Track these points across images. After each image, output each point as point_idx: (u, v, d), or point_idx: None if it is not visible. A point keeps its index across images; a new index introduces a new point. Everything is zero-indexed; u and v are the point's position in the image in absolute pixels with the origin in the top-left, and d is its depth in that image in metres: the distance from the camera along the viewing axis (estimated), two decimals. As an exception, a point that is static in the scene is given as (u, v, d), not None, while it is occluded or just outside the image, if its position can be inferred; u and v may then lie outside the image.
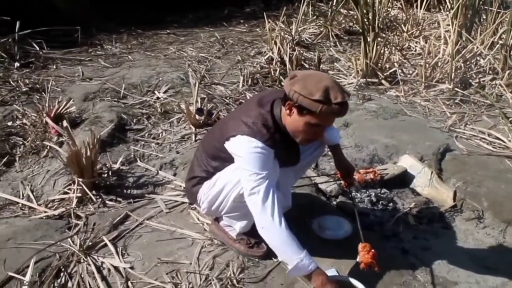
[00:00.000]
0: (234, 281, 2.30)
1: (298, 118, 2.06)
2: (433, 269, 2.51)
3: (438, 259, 2.59)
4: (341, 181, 3.04)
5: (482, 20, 5.41)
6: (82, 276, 2.39)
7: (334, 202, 3.05)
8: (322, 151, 2.64)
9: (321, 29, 6.32)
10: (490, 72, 4.81)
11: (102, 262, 2.48)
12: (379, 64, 4.85)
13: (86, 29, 6.18)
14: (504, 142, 3.68)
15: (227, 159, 2.20)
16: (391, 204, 3.10)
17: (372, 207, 3.06)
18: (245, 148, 2.09)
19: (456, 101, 4.41)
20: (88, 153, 3.04)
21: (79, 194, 3.02)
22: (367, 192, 3.17)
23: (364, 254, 2.21)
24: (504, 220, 2.91)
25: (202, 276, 2.34)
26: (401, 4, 6.64)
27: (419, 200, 3.16)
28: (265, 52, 5.48)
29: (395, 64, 5.04)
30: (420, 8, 6.43)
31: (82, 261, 2.48)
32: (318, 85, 1.96)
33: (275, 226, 2.06)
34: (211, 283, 2.30)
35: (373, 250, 2.21)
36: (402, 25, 6.25)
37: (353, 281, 2.14)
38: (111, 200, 3.06)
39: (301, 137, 2.13)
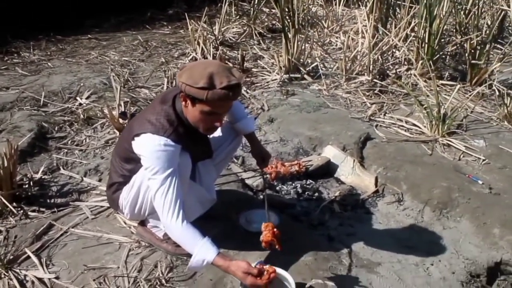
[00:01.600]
0: (163, 281, 2.29)
1: (192, 108, 2.08)
2: (357, 252, 2.63)
3: (363, 243, 2.71)
4: (267, 175, 3.11)
5: (396, 14, 5.65)
6: (4, 292, 2.31)
7: (261, 196, 3.10)
8: (239, 142, 2.67)
9: (245, 28, 6.38)
10: (405, 63, 5.03)
11: (25, 275, 2.40)
12: (301, 60, 4.96)
13: (0, 36, 5.91)
14: (420, 128, 3.88)
15: (139, 160, 2.18)
16: (316, 194, 3.19)
17: (298, 198, 3.13)
18: (148, 147, 2.09)
19: (375, 91, 4.59)
20: (6, 164, 2.92)
21: (-2, 208, 2.90)
22: (293, 184, 3.25)
23: (266, 233, 2.25)
24: (422, 201, 3.07)
25: (130, 279, 2.32)
26: (321, 1, 6.81)
27: (343, 188, 3.27)
28: (188, 53, 5.48)
29: (317, 59, 5.17)
30: (339, 5, 6.64)
31: (3, 276, 2.39)
32: (203, 73, 1.97)
33: (174, 224, 2.06)
34: (139, 285, 2.28)
35: (275, 229, 2.25)
36: (323, 21, 6.41)
37: (279, 270, 2.18)
38: (33, 211, 2.94)
39: (202, 126, 2.15)
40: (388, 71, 4.94)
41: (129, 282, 2.30)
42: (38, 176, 3.27)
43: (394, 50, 5.20)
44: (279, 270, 2.16)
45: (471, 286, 2.57)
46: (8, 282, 2.34)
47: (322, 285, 2.24)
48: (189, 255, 2.36)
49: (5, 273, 2.39)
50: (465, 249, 2.74)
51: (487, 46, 4.78)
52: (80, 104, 4.33)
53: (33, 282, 2.34)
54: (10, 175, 2.95)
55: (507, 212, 2.90)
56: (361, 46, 5.01)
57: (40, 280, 2.35)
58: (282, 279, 2.17)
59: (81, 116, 4.08)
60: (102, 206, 2.92)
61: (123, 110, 3.97)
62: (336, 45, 5.81)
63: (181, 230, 2.07)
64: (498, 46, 5.59)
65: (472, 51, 4.78)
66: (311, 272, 2.36)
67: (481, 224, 2.85)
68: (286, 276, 2.18)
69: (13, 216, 2.87)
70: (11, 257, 2.50)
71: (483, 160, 3.47)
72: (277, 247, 2.25)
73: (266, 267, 2.06)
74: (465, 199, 3.02)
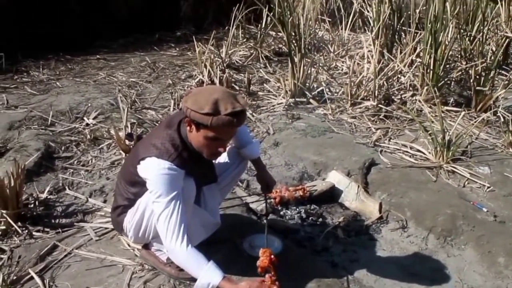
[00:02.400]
0: (166, 305, 2.29)
1: (197, 133, 2.11)
2: (361, 279, 2.62)
3: (366, 269, 2.71)
4: (271, 200, 3.12)
5: (401, 39, 5.70)
6: (7, 312, 2.31)
7: (264, 221, 3.09)
8: (244, 167, 2.69)
9: (251, 51, 6.44)
10: (410, 88, 5.06)
11: (28, 297, 2.41)
12: (307, 84, 5.00)
13: (11, 56, 6.00)
14: (425, 154, 3.89)
15: (145, 184, 2.20)
16: (320, 220, 3.19)
17: (302, 223, 3.13)
18: (153, 171, 2.11)
19: (380, 117, 4.61)
20: (12, 184, 2.94)
21: (3, 227, 2.90)
22: (297, 209, 3.25)
23: (263, 259, 2.25)
24: (426, 228, 3.07)
25: (133, 303, 2.32)
26: (327, 25, 6.89)
27: (347, 214, 3.27)
28: (195, 75, 5.53)
29: (323, 83, 5.21)
30: (345, 29, 6.71)
31: (5, 297, 2.40)
32: (208, 98, 2.00)
33: (178, 248, 2.08)
34: (142, 309, 2.28)
35: (272, 256, 2.25)
36: (329, 46, 6.48)
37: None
38: (38, 231, 2.95)
39: (206, 151, 2.17)
40: (393, 97, 4.96)
41: (131, 306, 2.30)
42: (43, 196, 3.29)
43: (399, 76, 5.23)
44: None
45: (476, 315, 2.55)
46: (11, 304, 2.35)
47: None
48: (193, 279, 2.37)
49: (8, 295, 2.39)
50: (470, 278, 2.73)
51: (492, 72, 4.80)
52: (87, 124, 4.37)
53: (35, 304, 2.35)
54: (16, 194, 2.97)
55: (512, 240, 2.89)
56: (366, 71, 5.05)
57: (43, 302, 2.36)
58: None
59: (88, 136, 4.11)
60: (106, 228, 2.93)
61: (129, 131, 4.00)
62: (342, 69, 5.85)
63: (186, 254, 2.08)
64: (503, 72, 5.60)
65: (477, 77, 4.80)
66: (314, 299, 2.36)
67: (485, 253, 2.85)
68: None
69: (17, 236, 2.88)
70: (15, 277, 2.50)
71: (488, 187, 3.47)
72: (272, 273, 2.23)
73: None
74: (469, 226, 3.01)
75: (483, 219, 3.10)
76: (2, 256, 2.70)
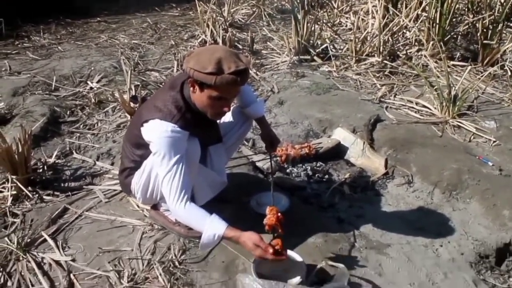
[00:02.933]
0: (176, 263, 2.34)
1: (200, 93, 2.10)
2: (367, 234, 2.65)
3: (372, 224, 2.74)
4: (277, 158, 3.14)
5: (407, -7, 5.59)
6: (22, 273, 2.36)
7: (271, 179, 3.11)
8: (249, 126, 2.69)
9: (254, 9, 6.36)
10: (416, 43, 4.99)
11: (43, 258, 2.46)
12: (311, 41, 4.94)
13: (11, 21, 5.94)
14: (430, 109, 3.87)
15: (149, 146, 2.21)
16: (326, 176, 3.20)
17: (308, 180, 3.15)
18: (156, 133, 2.12)
19: (385, 73, 4.58)
20: (20, 149, 2.97)
21: (14, 192, 2.94)
22: (303, 166, 3.26)
23: (270, 216, 2.26)
24: (431, 182, 3.08)
25: (144, 261, 2.37)
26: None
27: (353, 170, 3.29)
28: (198, 35, 5.48)
29: (327, 40, 5.15)
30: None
31: (21, 258, 2.45)
32: (211, 58, 1.99)
33: (178, 208, 2.11)
34: (153, 267, 2.33)
35: (279, 214, 2.26)
36: (333, 2, 6.36)
37: (291, 255, 2.22)
38: (48, 195, 2.99)
39: (210, 111, 2.17)
40: (398, 52, 4.90)
41: (143, 264, 2.35)
42: (51, 160, 3.32)
43: (404, 31, 5.16)
44: (290, 252, 2.20)
45: (480, 266, 2.58)
46: (27, 265, 2.40)
47: (332, 266, 2.26)
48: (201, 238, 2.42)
49: (23, 256, 2.45)
50: (475, 231, 2.76)
51: (500, 25, 4.72)
52: (91, 88, 4.37)
53: (50, 265, 2.40)
54: (25, 160, 3.00)
55: (517, 193, 2.91)
56: (371, 27, 4.99)
57: (57, 262, 2.41)
58: (293, 261, 2.22)
59: (92, 100, 4.12)
60: (115, 190, 2.96)
61: (133, 94, 4.00)
62: (346, 25, 5.78)
63: (186, 212, 2.11)
64: (511, 25, 5.51)
65: (484, 30, 4.72)
66: (321, 254, 2.40)
67: (490, 206, 2.87)
68: (298, 259, 2.22)
69: (28, 200, 2.93)
70: (28, 240, 2.56)
71: (494, 141, 3.47)
72: (279, 231, 2.26)
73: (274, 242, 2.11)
74: (475, 181, 3.02)
75: (489, 173, 3.11)
76: (15, 220, 2.75)
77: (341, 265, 2.21)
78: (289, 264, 2.20)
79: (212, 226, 2.08)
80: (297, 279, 2.15)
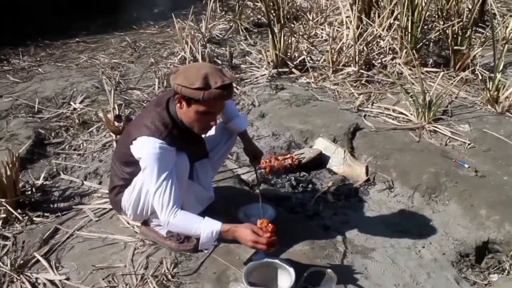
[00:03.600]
0: (169, 276, 2.40)
1: (187, 109, 2.19)
2: (352, 239, 2.75)
3: (357, 230, 2.83)
4: (262, 170, 3.22)
5: (379, 3, 5.73)
6: (17, 295, 2.40)
7: (257, 191, 3.20)
8: (234, 141, 2.78)
9: (231, 24, 6.46)
10: (390, 52, 5.14)
11: (37, 278, 2.49)
12: (288, 54, 5.05)
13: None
14: (407, 116, 4.01)
15: (139, 163, 2.28)
16: (310, 186, 3.30)
17: (293, 190, 3.24)
18: (145, 149, 2.20)
19: (362, 82, 4.71)
20: (8, 173, 3.00)
21: (4, 215, 2.97)
22: (287, 177, 3.35)
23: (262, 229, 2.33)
24: (411, 187, 3.20)
25: (137, 276, 2.42)
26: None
27: (336, 178, 3.39)
28: (177, 52, 5.56)
29: (304, 52, 5.26)
30: (323, -4, 6.73)
31: (15, 280, 2.48)
32: (198, 74, 2.09)
33: (172, 219, 2.20)
34: (147, 281, 2.38)
35: (270, 224, 2.33)
36: (308, 14, 6.49)
37: (280, 263, 2.30)
38: (38, 216, 3.03)
39: (197, 126, 2.27)
40: (373, 61, 5.05)
41: (136, 279, 2.41)
42: (39, 182, 3.35)
43: (378, 40, 5.29)
44: (280, 263, 2.28)
45: (461, 265, 2.70)
46: (21, 286, 2.44)
47: (320, 272, 2.35)
48: (192, 251, 2.51)
49: (17, 277, 2.48)
50: (454, 231, 2.87)
51: (468, 31, 4.89)
52: (75, 109, 4.41)
53: (44, 284, 2.45)
54: (13, 182, 3.04)
55: (492, 193, 3.04)
56: (346, 38, 5.11)
57: (51, 282, 2.45)
58: (283, 269, 2.29)
59: (77, 121, 4.16)
60: (104, 208, 3.01)
61: (117, 113, 4.05)
62: (322, 37, 5.89)
63: (179, 220, 2.20)
64: (480, 30, 5.70)
65: (454, 36, 4.88)
66: (308, 261, 2.48)
67: (468, 206, 2.99)
68: (287, 266, 2.30)
69: (18, 223, 2.96)
70: (21, 261, 2.59)
71: (469, 144, 3.60)
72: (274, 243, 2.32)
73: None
74: (452, 183, 3.15)
75: (465, 175, 3.24)
76: (6, 242, 2.78)
77: (328, 270, 2.29)
78: (278, 272, 2.28)
79: (208, 225, 2.18)
80: (287, 285, 2.23)
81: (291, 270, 2.27)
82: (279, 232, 2.41)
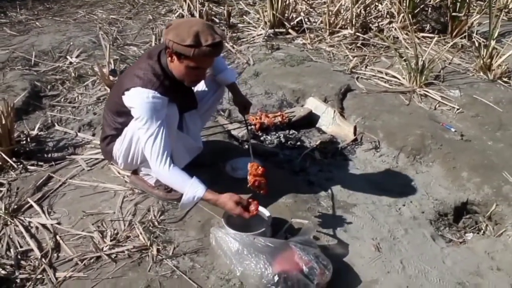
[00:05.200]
0: (156, 223, 2.50)
1: (178, 63, 2.25)
2: (335, 195, 2.83)
3: (340, 186, 2.92)
4: (252, 126, 3.29)
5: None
6: (11, 236, 2.48)
7: (246, 146, 3.27)
8: (221, 93, 2.84)
9: (231, -18, 6.40)
10: (388, 16, 5.14)
11: (30, 222, 2.59)
12: (286, 15, 5.05)
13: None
14: (399, 79, 4.05)
15: (130, 113, 2.34)
16: (298, 143, 3.37)
17: (281, 147, 3.31)
18: (138, 99, 2.26)
19: (357, 45, 4.73)
20: (3, 121, 3.06)
21: (-1, 163, 3.06)
22: (277, 134, 3.42)
23: (252, 172, 2.43)
24: (397, 147, 3.27)
25: (125, 222, 2.52)
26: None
27: (324, 137, 3.46)
28: (175, 9, 5.55)
29: (302, 13, 5.26)
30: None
31: (9, 223, 2.57)
32: (189, 31, 2.14)
33: (162, 169, 2.26)
34: (134, 227, 2.48)
35: (260, 167, 2.42)
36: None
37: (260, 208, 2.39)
38: (32, 165, 3.10)
39: (187, 80, 2.33)
40: (370, 25, 5.04)
41: (124, 225, 2.50)
42: (34, 132, 3.42)
43: (377, 4, 5.27)
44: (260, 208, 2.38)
45: (439, 224, 2.80)
46: (15, 228, 2.53)
47: (300, 223, 2.45)
48: (179, 200, 2.57)
49: (11, 221, 2.58)
50: (435, 191, 2.96)
51: (467, -3, 4.88)
52: (71, 62, 4.44)
53: (37, 228, 2.54)
54: (8, 132, 3.10)
55: (475, 157, 3.12)
56: (344, 0, 5.10)
57: (44, 225, 2.55)
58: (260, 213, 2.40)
59: (72, 74, 4.20)
60: (96, 159, 3.08)
61: (113, 67, 4.09)
62: (321, -1, 5.88)
63: (169, 173, 2.27)
64: (480, -2, 5.67)
65: (453, 3, 4.87)
66: (290, 213, 2.58)
67: (451, 168, 3.07)
68: (263, 210, 2.41)
69: (13, 170, 3.03)
70: (15, 206, 2.68)
71: (457, 109, 3.66)
72: (263, 182, 2.41)
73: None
74: (437, 145, 3.22)
75: (451, 138, 3.31)
76: (1, 189, 2.86)
77: (307, 221, 2.39)
78: (256, 217, 2.37)
79: (192, 189, 2.25)
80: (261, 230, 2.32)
81: (269, 217, 2.38)
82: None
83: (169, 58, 2.29)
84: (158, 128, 2.25)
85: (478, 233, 2.80)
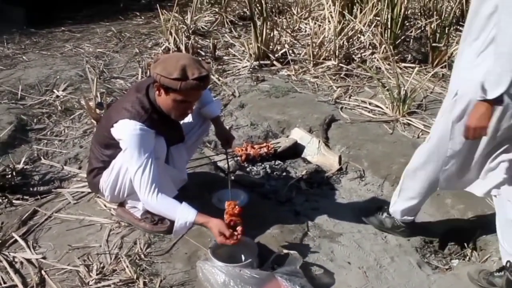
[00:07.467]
0: (142, 256, 2.49)
1: (165, 97, 2.31)
2: (321, 224, 2.85)
3: (326, 216, 2.93)
4: (238, 158, 3.32)
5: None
6: (-5, 272, 2.47)
7: (232, 177, 3.29)
8: (207, 127, 2.88)
9: (216, 17, 6.53)
10: (370, 47, 5.26)
11: (14, 257, 2.56)
12: (270, 47, 5.15)
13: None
14: (382, 109, 4.12)
15: (118, 145, 2.38)
16: (284, 174, 3.40)
17: (267, 177, 3.34)
18: (126, 131, 2.31)
19: (341, 75, 4.83)
20: (-12, 156, 3.07)
21: (-17, 197, 3.04)
22: (262, 165, 3.45)
23: (229, 211, 2.44)
24: (381, 176, 3.31)
25: (112, 255, 2.51)
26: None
27: (310, 167, 3.49)
28: (161, 43, 5.64)
29: (286, 45, 5.36)
30: (308, -9, 6.81)
31: (-8, 258, 2.55)
32: (176, 65, 2.20)
33: (151, 199, 2.30)
34: (120, 260, 2.47)
35: (237, 207, 2.44)
36: (293, 8, 6.59)
37: (245, 238, 2.40)
38: (17, 199, 3.09)
39: (174, 113, 2.38)
40: (353, 56, 5.16)
41: (111, 258, 2.49)
42: (20, 166, 3.40)
43: (359, 35, 5.40)
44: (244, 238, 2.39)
45: (425, 251, 2.82)
46: (-2, 264, 2.51)
47: (287, 254, 2.45)
48: (166, 232, 2.59)
49: (-5, 256, 2.56)
50: (421, 218, 2.98)
51: (447, 29, 5.02)
52: (57, 96, 4.47)
53: (22, 263, 2.51)
54: (-7, 166, 3.11)
55: (458, 184, 3.16)
56: (327, 32, 5.21)
57: (28, 260, 2.52)
58: (247, 244, 2.43)
59: (59, 107, 4.22)
60: (83, 192, 3.08)
61: (99, 101, 4.12)
62: (305, 31, 5.99)
63: (158, 202, 2.31)
64: (460, 28, 5.81)
65: (433, 34, 5.01)
66: (277, 243, 2.59)
67: (435, 195, 3.09)
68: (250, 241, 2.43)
69: (-2, 205, 3.03)
70: (0, 241, 2.67)
71: (440, 137, 3.71)
72: (238, 221, 2.41)
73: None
74: (421, 173, 3.26)
75: (434, 166, 3.35)
76: (-15, 224, 2.85)
77: (293, 252, 2.40)
78: (242, 246, 2.40)
79: (183, 214, 2.30)
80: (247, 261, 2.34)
81: (255, 245, 2.39)
82: (251, 216, 2.52)
83: (157, 92, 2.33)
84: (146, 159, 2.29)
85: (463, 260, 2.82)
